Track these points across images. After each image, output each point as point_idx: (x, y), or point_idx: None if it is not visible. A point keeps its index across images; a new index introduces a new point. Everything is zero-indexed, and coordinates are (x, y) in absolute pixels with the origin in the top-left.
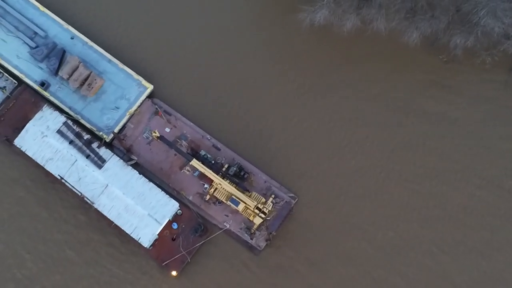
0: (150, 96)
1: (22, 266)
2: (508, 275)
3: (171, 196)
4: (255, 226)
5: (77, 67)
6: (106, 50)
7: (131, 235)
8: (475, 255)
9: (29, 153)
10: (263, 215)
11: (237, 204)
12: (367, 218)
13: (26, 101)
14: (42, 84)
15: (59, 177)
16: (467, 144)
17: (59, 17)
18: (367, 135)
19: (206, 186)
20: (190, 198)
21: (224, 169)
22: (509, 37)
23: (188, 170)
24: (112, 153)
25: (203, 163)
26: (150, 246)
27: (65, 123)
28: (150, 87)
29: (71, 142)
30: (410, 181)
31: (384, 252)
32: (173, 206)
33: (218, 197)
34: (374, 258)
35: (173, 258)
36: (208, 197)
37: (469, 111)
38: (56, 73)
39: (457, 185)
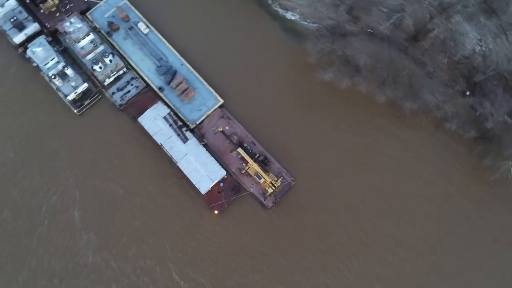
0: (220, 106)
1: (141, 202)
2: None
3: (222, 166)
4: (268, 193)
5: (181, 82)
6: (199, 75)
7: (195, 185)
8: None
9: (145, 127)
10: (274, 188)
11: (260, 178)
12: (340, 195)
13: (148, 97)
14: (160, 88)
15: (160, 144)
16: (402, 158)
17: (176, 50)
18: (344, 146)
19: (243, 164)
20: (233, 170)
21: (255, 156)
22: (439, 108)
23: (234, 153)
24: (193, 136)
25: (244, 151)
26: (205, 194)
27: (168, 113)
28: (221, 101)
29: (170, 125)
30: (368, 171)
31: (351, 214)
32: (222, 172)
33: (249, 172)
34: (344, 217)
35: (217, 203)
36: (243, 171)
37: (406, 147)
38: (168, 83)
39: (394, 177)
